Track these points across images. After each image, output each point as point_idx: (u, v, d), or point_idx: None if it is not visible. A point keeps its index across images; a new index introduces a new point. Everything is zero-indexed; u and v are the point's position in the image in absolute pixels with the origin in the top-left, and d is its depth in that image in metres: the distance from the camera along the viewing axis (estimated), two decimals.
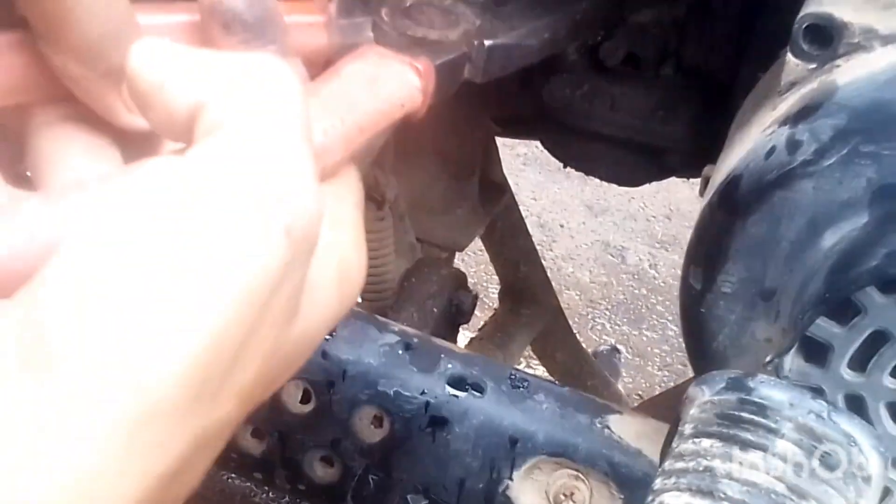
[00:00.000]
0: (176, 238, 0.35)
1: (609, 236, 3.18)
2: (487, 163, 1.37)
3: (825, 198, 0.61)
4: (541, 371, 2.03)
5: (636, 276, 3.01)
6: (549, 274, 1.69)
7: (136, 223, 0.35)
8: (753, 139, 0.65)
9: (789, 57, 0.64)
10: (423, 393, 0.83)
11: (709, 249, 0.67)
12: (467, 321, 1.17)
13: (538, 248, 1.66)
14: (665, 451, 0.59)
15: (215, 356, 0.35)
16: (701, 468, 0.52)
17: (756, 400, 0.56)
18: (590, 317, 2.76)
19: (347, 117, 0.53)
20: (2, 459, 0.32)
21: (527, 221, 1.60)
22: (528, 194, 3.08)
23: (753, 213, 0.64)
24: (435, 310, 1.09)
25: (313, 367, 0.85)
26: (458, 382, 0.84)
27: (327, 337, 0.85)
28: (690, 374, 2.24)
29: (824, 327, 0.61)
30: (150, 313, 0.34)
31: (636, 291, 2.93)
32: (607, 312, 2.81)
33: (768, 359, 0.61)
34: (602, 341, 2.66)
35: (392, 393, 0.84)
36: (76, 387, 0.33)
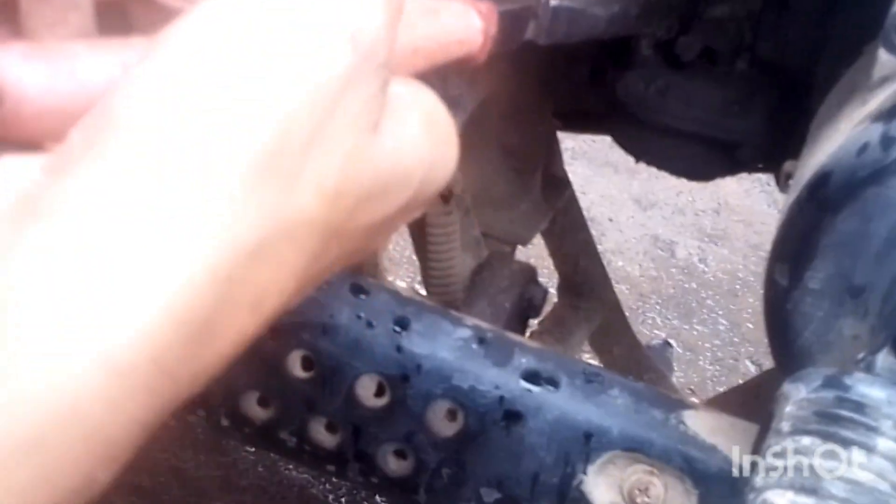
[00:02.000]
0: (246, 44, 0.39)
1: (658, 230, 3.17)
2: (550, 157, 1.37)
3: None
4: (595, 363, 2.03)
5: (686, 271, 3.00)
6: None
7: (208, 36, 0.39)
8: (844, 135, 0.64)
9: (881, 52, 0.64)
10: (497, 387, 0.83)
11: (796, 245, 0.67)
12: (538, 315, 1.17)
13: None
14: (759, 448, 0.59)
15: (287, 132, 0.39)
16: (803, 466, 0.52)
17: (854, 398, 0.55)
18: (640, 311, 2.75)
19: (403, 36, 0.53)
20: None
21: (581, 209, 1.61)
22: (576, 188, 3.04)
23: (844, 210, 0.63)
24: (507, 304, 1.09)
25: (388, 360, 0.85)
26: (532, 377, 0.84)
27: (399, 330, 0.85)
28: (741, 369, 2.25)
29: None
30: (229, 101, 0.38)
31: (686, 286, 2.92)
32: (657, 307, 2.80)
33: (860, 356, 0.61)
34: (653, 335, 2.65)
35: (466, 387, 0.84)
36: (149, 152, 0.36)
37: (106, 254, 0.35)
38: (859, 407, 0.55)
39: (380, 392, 0.86)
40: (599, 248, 3.07)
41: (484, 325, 0.88)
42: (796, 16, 0.94)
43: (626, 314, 1.78)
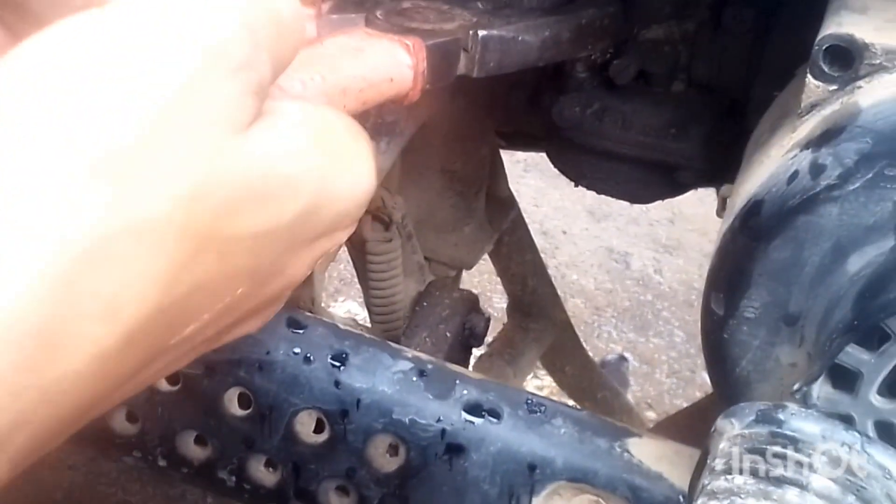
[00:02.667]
0: (91, 50, 0.40)
1: (612, 242, 3.17)
2: (494, 178, 1.36)
3: (850, 222, 0.60)
4: (548, 381, 2.02)
5: (641, 282, 3.00)
6: (553, 281, 1.69)
7: (56, 44, 0.40)
8: (775, 162, 0.64)
9: (809, 79, 0.63)
10: (438, 420, 0.82)
11: (731, 275, 0.66)
12: (480, 344, 1.15)
13: (541, 255, 1.65)
14: (694, 486, 0.58)
15: (122, 130, 0.39)
16: None
17: (788, 433, 0.54)
18: (595, 325, 2.75)
19: (329, 76, 0.52)
20: None
21: (530, 229, 1.60)
22: (529, 201, 3.07)
23: (776, 238, 0.63)
24: (448, 334, 1.07)
25: (326, 395, 0.83)
26: (474, 409, 0.83)
27: (337, 364, 0.84)
28: (698, 380, 2.25)
29: (853, 354, 0.59)
30: (62, 102, 0.38)
31: (641, 297, 2.92)
32: (613, 320, 2.80)
33: (796, 387, 0.60)
34: (609, 349, 2.65)
35: (407, 421, 0.82)
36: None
37: None
38: (793, 442, 0.54)
39: (319, 428, 0.85)
40: (553, 261, 3.09)
41: (424, 356, 0.87)
42: (731, 37, 0.93)
43: (582, 328, 1.78)
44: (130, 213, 0.38)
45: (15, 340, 0.35)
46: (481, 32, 0.67)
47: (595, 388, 1.75)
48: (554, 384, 1.84)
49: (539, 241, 2.93)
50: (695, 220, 3.22)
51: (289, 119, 0.47)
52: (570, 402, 1.84)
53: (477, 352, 1.71)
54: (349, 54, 0.56)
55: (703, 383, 2.57)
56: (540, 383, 2.34)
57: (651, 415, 2.41)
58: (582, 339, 1.78)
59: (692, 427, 1.11)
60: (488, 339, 1.73)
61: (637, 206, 3.28)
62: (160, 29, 0.41)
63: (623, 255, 3.12)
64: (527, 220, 1.57)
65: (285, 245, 0.48)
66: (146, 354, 0.43)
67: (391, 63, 0.58)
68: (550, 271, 2.79)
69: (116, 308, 0.39)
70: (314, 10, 0.61)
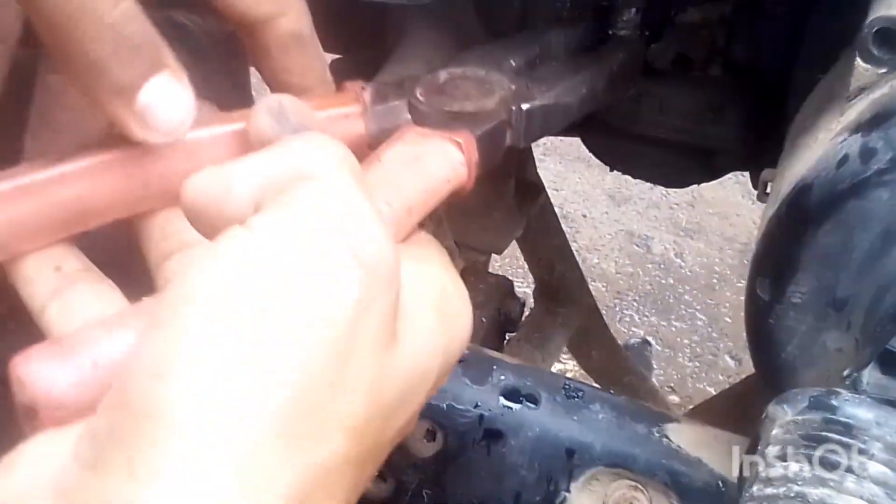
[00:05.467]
0: (253, 296, 0.38)
1: (633, 225, 3.17)
2: (522, 163, 1.35)
3: None
4: (571, 365, 2.02)
5: (662, 266, 3.00)
6: None
7: (215, 296, 0.38)
8: (823, 146, 0.63)
9: (858, 62, 0.62)
10: (476, 406, 0.82)
11: (777, 260, 0.65)
12: (515, 329, 1.15)
13: None
14: (745, 473, 0.58)
15: (307, 390, 0.37)
16: (792, 494, 0.51)
17: (842, 419, 0.54)
18: (617, 308, 2.75)
19: (395, 201, 0.52)
20: None
21: (556, 213, 1.59)
22: (549, 185, 3.04)
23: (825, 223, 0.62)
24: (483, 319, 1.07)
25: None
26: (511, 394, 0.83)
27: None
28: (721, 364, 2.24)
29: None
30: (239, 357, 0.36)
31: (663, 281, 2.92)
32: (635, 303, 2.80)
33: (846, 373, 0.60)
34: (631, 333, 2.65)
35: (445, 406, 0.82)
36: (177, 436, 0.35)
37: None
38: (848, 429, 0.53)
39: None
40: (574, 245, 3.08)
41: None
42: (769, 19, 0.92)
43: (604, 312, 1.77)
44: (319, 463, 0.38)
45: None
46: (524, 106, 0.67)
47: (621, 373, 1.75)
48: (577, 368, 1.84)
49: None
50: (715, 203, 3.21)
51: (418, 303, 0.46)
52: (596, 386, 1.84)
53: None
54: (408, 167, 0.55)
55: (725, 367, 2.56)
56: (563, 367, 2.35)
57: (674, 399, 2.41)
58: None
59: (728, 412, 1.11)
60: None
61: (657, 190, 3.28)
62: (317, 252, 0.39)
63: (644, 239, 3.12)
64: None
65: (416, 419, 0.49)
66: None
67: (447, 166, 0.58)
68: None
69: None
70: (360, 106, 0.61)
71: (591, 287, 1.73)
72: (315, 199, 0.41)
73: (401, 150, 0.57)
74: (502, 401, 0.82)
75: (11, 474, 0.38)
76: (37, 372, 0.40)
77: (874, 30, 0.61)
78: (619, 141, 1.05)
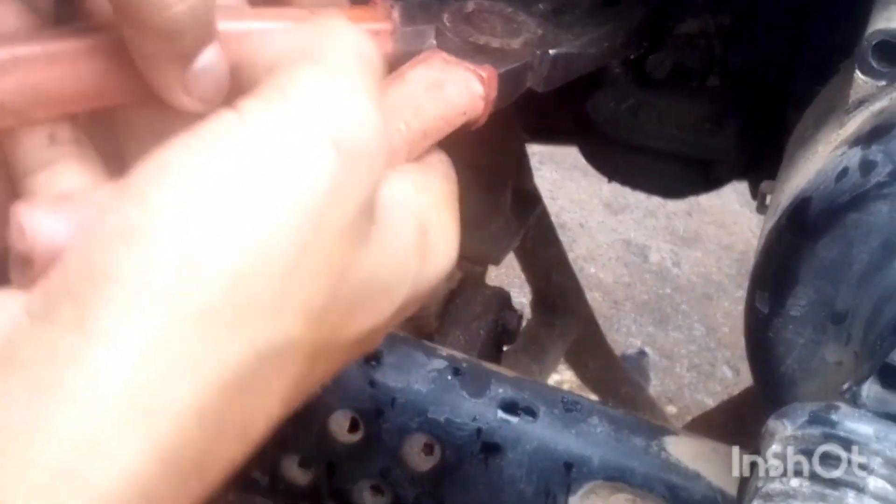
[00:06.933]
0: (226, 176, 0.39)
1: (630, 234, 3.17)
2: (520, 173, 1.35)
3: None
4: (568, 376, 2.02)
5: (659, 275, 3.00)
6: None
7: (180, 173, 0.38)
8: (822, 159, 0.63)
9: (857, 74, 0.62)
10: (474, 419, 0.82)
11: (777, 272, 0.65)
12: (513, 341, 1.15)
13: None
14: (744, 488, 0.57)
15: (265, 263, 0.38)
16: None
17: (841, 434, 0.54)
18: (615, 318, 2.74)
19: (412, 122, 0.53)
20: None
21: (553, 223, 1.59)
22: (545, 194, 3.03)
23: (825, 236, 0.62)
24: (481, 331, 1.07)
25: (361, 395, 0.83)
26: (509, 407, 0.82)
27: (372, 363, 0.84)
28: (718, 374, 2.24)
29: None
30: (202, 229, 0.37)
31: (660, 291, 2.92)
32: (632, 313, 2.80)
33: (845, 387, 0.59)
34: (628, 343, 2.65)
35: (443, 420, 0.82)
36: (130, 295, 0.36)
37: (89, 402, 0.35)
38: (847, 444, 0.53)
39: (353, 427, 0.84)
40: (571, 254, 3.06)
41: (458, 354, 0.87)
42: (768, 29, 0.92)
43: (601, 322, 1.77)
44: (272, 342, 0.39)
45: (175, 473, 0.36)
46: (551, 52, 0.67)
47: (618, 384, 1.75)
48: (573, 378, 1.84)
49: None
50: (712, 212, 3.21)
51: (399, 216, 0.47)
52: (593, 397, 1.83)
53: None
54: (430, 92, 0.56)
55: (722, 377, 2.56)
56: (559, 378, 2.34)
57: (672, 409, 2.41)
58: None
59: (727, 425, 1.10)
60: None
61: (654, 199, 3.27)
62: (297, 132, 0.40)
63: (641, 248, 3.11)
64: None
65: (377, 333, 0.49)
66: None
67: (467, 97, 0.58)
68: None
69: (249, 430, 0.40)
70: (389, 24, 0.62)
71: (588, 297, 1.73)
72: (310, 87, 0.42)
73: (425, 72, 0.58)
74: (500, 414, 0.82)
75: None
76: (40, 220, 0.40)
77: (873, 42, 0.61)
78: (616, 151, 1.05)
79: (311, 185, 0.39)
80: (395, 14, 0.62)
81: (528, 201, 1.39)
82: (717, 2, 0.92)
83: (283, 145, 0.40)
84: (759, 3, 0.92)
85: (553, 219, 2.74)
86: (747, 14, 0.93)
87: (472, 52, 0.62)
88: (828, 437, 0.54)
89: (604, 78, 0.98)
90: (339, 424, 0.84)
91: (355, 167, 0.41)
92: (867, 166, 0.59)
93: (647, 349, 2.61)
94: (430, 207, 0.51)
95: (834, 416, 0.55)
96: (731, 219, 3.20)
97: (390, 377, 0.83)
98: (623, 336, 2.68)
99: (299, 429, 0.84)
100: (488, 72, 0.59)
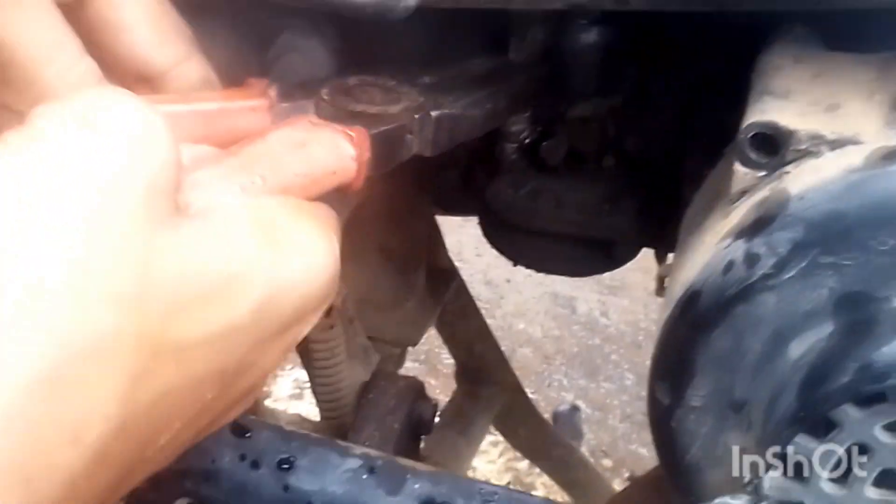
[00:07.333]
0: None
1: (557, 287, 3.17)
2: (433, 251, 1.35)
3: (788, 309, 0.60)
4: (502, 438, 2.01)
5: (588, 326, 3.01)
6: (500, 332, 1.68)
7: None
8: (710, 251, 0.64)
9: (737, 166, 0.63)
10: None
11: (675, 364, 0.66)
12: (429, 432, 1.14)
13: (486, 306, 1.64)
14: None
15: (50, 251, 0.38)
16: None
17: None
18: (546, 374, 2.74)
19: (270, 177, 0.52)
20: None
21: (473, 279, 1.59)
22: (471, 251, 3.07)
23: (717, 328, 0.62)
24: (396, 425, 1.06)
25: (276, 501, 0.82)
26: (427, 503, 0.82)
27: (286, 468, 0.83)
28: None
29: (801, 444, 0.59)
30: None
31: (589, 342, 2.93)
32: (563, 367, 2.80)
33: (747, 479, 0.60)
34: (560, 398, 2.65)
35: None
36: None
37: None
38: None
39: None
40: (499, 311, 3.08)
41: (373, 452, 0.86)
42: (658, 111, 0.93)
43: (532, 378, 1.77)
44: (82, 334, 0.37)
45: None
46: (433, 113, 0.68)
47: (549, 448, 1.75)
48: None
49: (483, 291, 2.93)
50: (638, 260, 3.22)
51: (223, 212, 0.47)
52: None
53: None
54: (292, 150, 0.55)
55: None
56: (495, 438, 2.33)
57: (607, 462, 2.41)
58: (533, 389, 1.78)
59: (647, 499, 1.10)
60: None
61: None
62: (66, 142, 0.41)
63: (568, 300, 3.12)
64: (470, 270, 1.56)
65: (250, 342, 0.47)
66: (120, 470, 0.42)
67: (334, 156, 0.58)
68: (497, 322, 2.79)
69: (80, 431, 0.38)
70: (265, 100, 0.62)
71: (518, 353, 1.73)
72: (81, 99, 0.43)
73: (288, 133, 0.57)
74: None
75: None
76: None
77: (750, 135, 0.62)
78: (519, 236, 1.05)
79: (83, 173, 0.40)
80: (272, 92, 0.62)
81: (443, 277, 1.39)
82: (608, 84, 0.93)
83: (55, 138, 0.40)
84: (649, 84, 0.93)
85: (480, 276, 2.73)
86: (638, 96, 0.94)
87: (348, 119, 0.62)
88: None
89: (500, 164, 0.99)
90: None
91: (129, 151, 0.41)
92: (751, 259, 0.60)
93: (580, 402, 2.61)
94: (278, 207, 0.50)
95: None
96: (656, 264, 3.22)
97: (304, 480, 0.83)
98: (555, 391, 2.68)
99: None
100: (358, 132, 0.59)
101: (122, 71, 0.59)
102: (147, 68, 0.60)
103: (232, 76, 0.66)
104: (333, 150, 0.58)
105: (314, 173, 0.56)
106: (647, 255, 3.20)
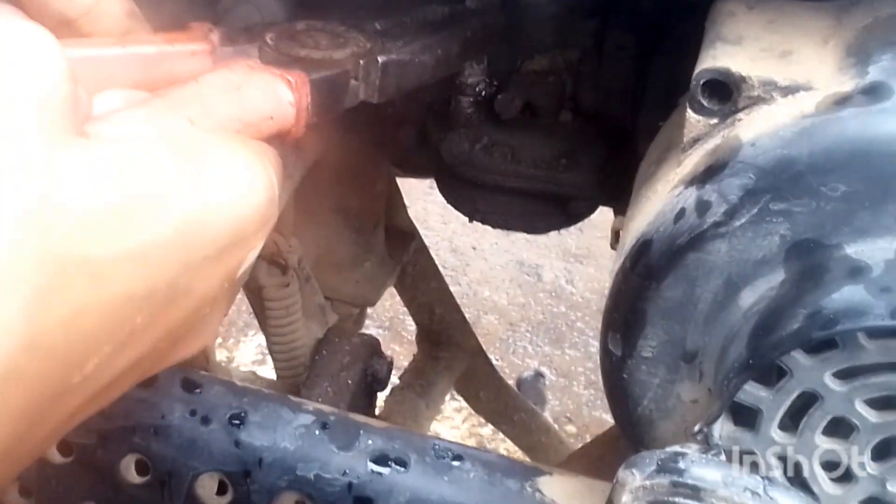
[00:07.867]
0: None
1: (523, 254, 3.17)
2: (392, 211, 1.34)
3: (739, 257, 0.59)
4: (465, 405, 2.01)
5: (553, 294, 3.00)
6: (465, 299, 1.68)
7: None
8: (661, 199, 0.63)
9: (689, 113, 0.62)
10: (344, 473, 0.80)
11: (626, 315, 0.65)
12: (384, 388, 1.13)
13: (452, 273, 1.63)
14: None
15: None
16: None
17: (689, 482, 0.54)
18: (510, 340, 2.74)
19: (201, 120, 0.50)
20: None
21: (438, 246, 1.58)
22: (437, 219, 3.06)
23: (667, 277, 0.62)
24: (350, 382, 1.05)
25: (227, 456, 0.81)
26: (380, 459, 0.81)
27: (237, 423, 0.82)
28: None
29: (751, 392, 0.58)
30: None
31: (555, 310, 2.93)
32: (528, 334, 2.80)
33: (696, 428, 0.59)
34: (525, 365, 2.65)
35: (312, 476, 0.80)
36: None
37: None
38: (695, 491, 0.53)
39: (222, 490, 0.82)
40: (465, 278, 3.07)
41: (326, 408, 0.85)
42: (614, 65, 0.92)
43: (497, 345, 1.77)
44: None
45: None
46: (380, 58, 0.66)
47: (511, 411, 1.74)
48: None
49: (449, 258, 2.93)
50: (603, 227, 3.21)
51: (138, 139, 0.46)
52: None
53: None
54: (225, 93, 0.54)
55: None
56: (458, 405, 2.34)
57: (571, 428, 2.42)
58: (498, 356, 1.78)
59: (604, 458, 1.10)
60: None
61: None
62: None
63: (534, 268, 3.12)
64: (436, 238, 1.55)
65: (177, 263, 0.46)
66: (42, 394, 0.41)
67: (271, 100, 0.57)
68: (462, 289, 2.78)
69: None
70: (207, 44, 0.60)
71: (483, 320, 1.72)
72: None
73: (223, 76, 0.56)
74: (371, 466, 0.80)
75: None
76: None
77: (702, 81, 0.61)
78: (474, 191, 1.04)
79: None
80: (214, 36, 0.61)
81: (402, 238, 1.39)
82: (564, 38, 0.92)
83: None
84: (605, 38, 0.92)
85: (446, 243, 2.72)
86: (594, 50, 0.93)
87: (290, 64, 0.61)
88: (676, 486, 0.54)
89: (456, 119, 0.98)
90: (207, 488, 0.82)
91: (14, 67, 0.41)
92: (703, 206, 0.59)
93: (545, 369, 2.61)
94: (198, 135, 0.49)
95: (681, 464, 0.55)
96: None
97: (256, 436, 0.82)
98: (520, 357, 2.68)
99: (165, 495, 0.82)
100: (298, 77, 0.58)
101: (42, 18, 0.57)
102: (64, 9, 0.59)
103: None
104: (270, 95, 0.57)
105: (248, 117, 0.54)
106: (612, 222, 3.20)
